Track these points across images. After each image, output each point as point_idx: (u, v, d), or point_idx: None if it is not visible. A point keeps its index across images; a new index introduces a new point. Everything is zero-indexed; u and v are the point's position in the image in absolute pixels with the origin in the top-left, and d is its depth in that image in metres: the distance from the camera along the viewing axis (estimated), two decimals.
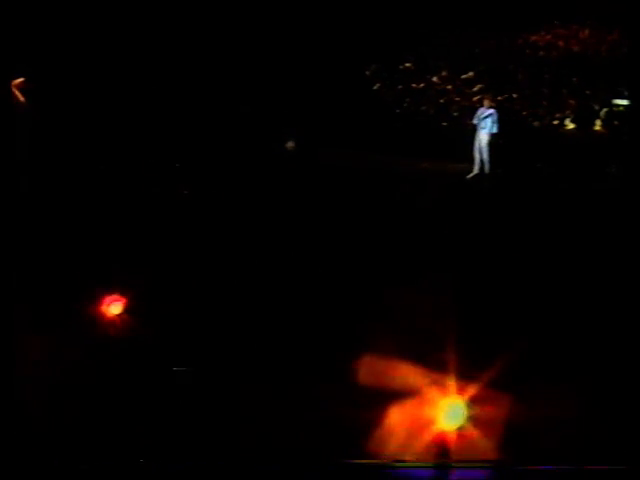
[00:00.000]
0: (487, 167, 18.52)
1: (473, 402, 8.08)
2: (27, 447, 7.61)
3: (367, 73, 22.36)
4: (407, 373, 8.56)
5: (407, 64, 22.95)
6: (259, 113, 19.50)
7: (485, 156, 18.49)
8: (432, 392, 8.23)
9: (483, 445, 7.71)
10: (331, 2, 22.19)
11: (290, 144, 19.32)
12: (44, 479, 7.41)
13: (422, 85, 21.96)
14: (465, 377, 8.38)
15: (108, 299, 10.12)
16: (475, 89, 21.08)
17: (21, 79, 15.30)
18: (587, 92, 21.05)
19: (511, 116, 20.06)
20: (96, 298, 10.14)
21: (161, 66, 19.51)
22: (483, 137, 18.48)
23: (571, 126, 20.33)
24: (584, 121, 20.24)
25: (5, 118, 13.85)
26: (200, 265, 11.83)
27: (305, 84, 20.32)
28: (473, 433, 7.81)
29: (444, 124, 20.53)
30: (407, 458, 7.55)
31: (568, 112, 20.49)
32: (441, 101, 21.32)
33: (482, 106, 18.85)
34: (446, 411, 7.88)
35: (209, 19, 21.00)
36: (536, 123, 20.31)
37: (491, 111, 18.54)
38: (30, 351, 9.02)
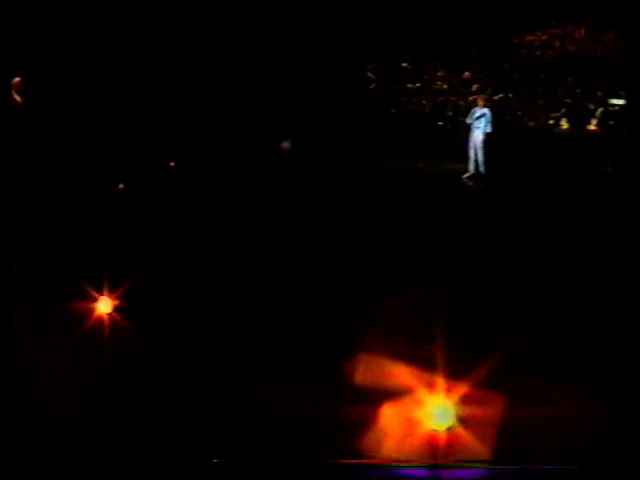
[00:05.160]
0: (482, 167, 18.57)
1: (464, 401, 8.11)
2: (26, 445, 7.64)
3: (366, 74, 22.40)
4: (397, 372, 8.59)
5: (403, 64, 23.01)
6: (255, 113, 19.52)
7: (480, 156, 18.54)
8: (422, 391, 8.25)
9: (475, 445, 7.73)
10: (326, 3, 22.21)
11: (285, 144, 19.36)
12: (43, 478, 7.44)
13: (418, 85, 22.01)
14: (457, 376, 8.41)
15: (99, 298, 10.15)
16: (472, 89, 21.11)
17: (18, 79, 15.30)
18: (583, 92, 21.09)
19: (507, 116, 20.11)
20: (87, 297, 10.16)
21: (157, 66, 19.52)
22: (477, 137, 18.53)
23: (567, 126, 20.37)
24: (580, 121, 20.27)
25: (3, 119, 13.86)
26: (194, 265, 11.85)
27: (301, 84, 20.34)
28: (464, 433, 7.84)
29: (440, 124, 20.57)
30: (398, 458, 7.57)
31: (564, 112, 20.53)
32: (438, 100, 21.37)
33: (476, 106, 18.91)
34: (436, 410, 7.89)
35: (205, 19, 21.01)
36: (532, 123, 20.35)
37: (485, 111, 18.59)
38: (25, 350, 9.07)
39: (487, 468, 7.54)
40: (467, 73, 22.25)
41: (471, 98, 20.22)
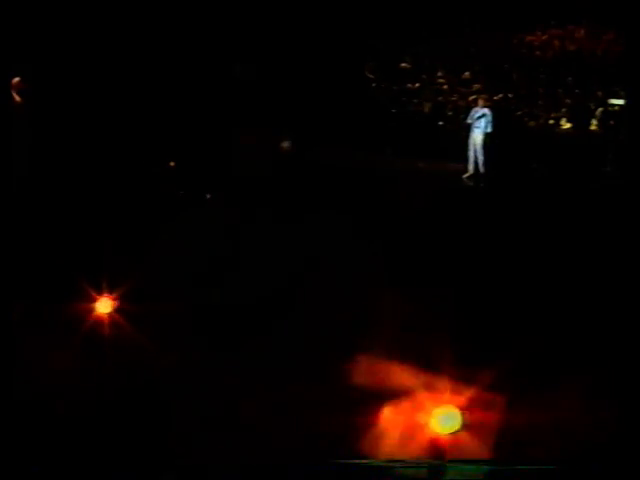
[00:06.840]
0: (482, 167, 18.58)
1: (469, 406, 8.08)
2: (23, 447, 7.65)
3: (366, 73, 22.44)
4: (401, 377, 8.57)
5: (403, 64, 23.03)
6: (255, 113, 19.52)
7: (480, 156, 18.55)
8: (426, 396, 8.22)
9: (479, 448, 7.71)
10: (327, 2, 22.23)
11: (285, 144, 19.34)
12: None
13: (418, 85, 22.03)
14: (461, 381, 8.39)
15: (99, 298, 10.12)
16: (473, 89, 21.15)
17: (18, 79, 15.30)
18: (583, 92, 21.12)
19: (507, 116, 20.13)
20: (87, 297, 10.15)
21: (157, 66, 19.52)
22: (477, 137, 18.55)
23: (567, 126, 20.40)
24: (580, 121, 20.30)
25: (3, 119, 13.86)
26: (194, 265, 11.84)
27: (301, 84, 20.35)
28: (469, 437, 7.81)
29: (440, 124, 20.59)
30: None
31: (564, 112, 20.55)
32: (438, 100, 21.40)
33: (476, 106, 18.93)
34: (440, 416, 7.84)
35: (205, 17, 21.02)
36: (532, 123, 20.38)
37: (485, 111, 18.60)
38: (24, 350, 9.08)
39: (487, 468, 7.53)
40: (467, 73, 22.29)
41: (471, 98, 20.24)
